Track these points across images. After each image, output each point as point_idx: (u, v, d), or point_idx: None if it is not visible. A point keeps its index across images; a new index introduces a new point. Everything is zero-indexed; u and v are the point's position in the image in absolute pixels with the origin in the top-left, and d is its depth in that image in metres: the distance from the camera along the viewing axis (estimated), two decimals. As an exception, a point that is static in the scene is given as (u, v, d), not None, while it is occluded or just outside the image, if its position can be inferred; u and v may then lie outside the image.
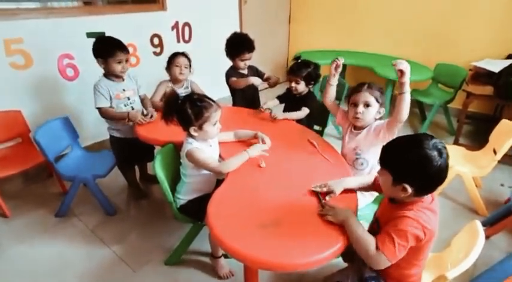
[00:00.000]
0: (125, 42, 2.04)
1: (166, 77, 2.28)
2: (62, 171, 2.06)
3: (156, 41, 3.14)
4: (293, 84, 2.14)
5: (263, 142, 1.66)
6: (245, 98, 2.42)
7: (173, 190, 1.64)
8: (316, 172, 1.51)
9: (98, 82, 1.99)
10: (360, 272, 1.24)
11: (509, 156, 2.28)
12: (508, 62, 2.81)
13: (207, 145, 1.55)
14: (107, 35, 2.63)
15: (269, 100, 2.22)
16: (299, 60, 2.18)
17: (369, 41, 4.13)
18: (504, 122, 2.22)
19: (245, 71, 2.40)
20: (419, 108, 3.66)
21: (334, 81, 1.81)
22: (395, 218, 1.06)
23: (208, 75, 3.04)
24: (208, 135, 1.51)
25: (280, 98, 2.29)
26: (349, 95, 1.64)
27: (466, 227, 1.25)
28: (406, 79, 1.43)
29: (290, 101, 2.17)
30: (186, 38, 3.44)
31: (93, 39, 2.01)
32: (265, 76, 2.42)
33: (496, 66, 2.84)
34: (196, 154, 1.47)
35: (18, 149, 2.29)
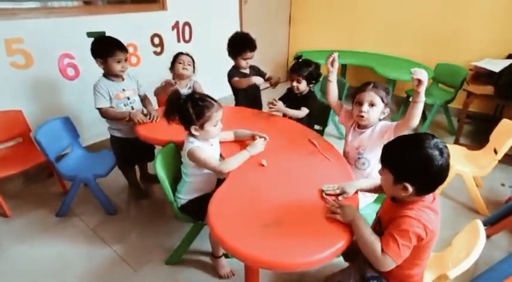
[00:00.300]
0: (126, 41, 2.04)
1: (167, 76, 2.28)
2: (62, 171, 2.06)
3: (156, 40, 3.14)
4: (294, 84, 2.14)
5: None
6: (247, 97, 2.43)
7: (174, 190, 1.63)
8: (317, 171, 1.51)
9: (98, 82, 1.99)
10: (361, 271, 1.23)
11: (510, 155, 2.28)
12: (508, 62, 2.81)
13: (208, 144, 1.55)
14: (107, 34, 2.64)
15: (270, 100, 2.22)
16: (300, 60, 2.18)
17: (369, 41, 4.13)
18: (505, 122, 2.22)
19: (247, 71, 2.41)
20: (419, 108, 3.65)
21: (333, 77, 1.80)
22: (397, 218, 1.07)
23: (209, 75, 3.04)
24: (210, 135, 1.51)
25: (282, 99, 2.29)
26: (354, 93, 1.63)
27: (467, 227, 1.25)
28: (423, 88, 1.40)
29: (291, 100, 2.17)
30: (187, 37, 3.44)
31: (93, 39, 2.01)
32: (267, 76, 2.43)
33: (496, 66, 2.84)
34: (197, 153, 1.47)
35: (18, 149, 2.29)
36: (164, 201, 2.11)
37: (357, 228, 1.11)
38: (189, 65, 2.22)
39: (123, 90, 2.06)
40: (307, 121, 2.16)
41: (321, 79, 2.26)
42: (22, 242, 1.95)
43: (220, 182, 1.54)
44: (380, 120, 1.62)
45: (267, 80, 2.40)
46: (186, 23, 3.38)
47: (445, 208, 2.23)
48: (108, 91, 1.98)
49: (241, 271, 1.45)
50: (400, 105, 3.63)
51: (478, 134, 3.27)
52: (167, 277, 1.74)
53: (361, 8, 4.08)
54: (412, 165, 1.03)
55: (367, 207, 1.61)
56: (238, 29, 3.99)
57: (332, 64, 1.77)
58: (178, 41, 3.37)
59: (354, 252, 1.25)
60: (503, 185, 2.52)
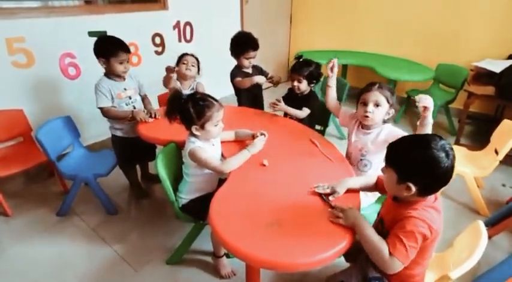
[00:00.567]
0: (127, 41, 2.03)
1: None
2: (63, 170, 2.05)
3: (157, 40, 3.14)
4: (295, 83, 2.14)
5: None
6: (249, 97, 2.44)
7: (175, 189, 1.63)
8: (318, 171, 1.51)
9: (99, 82, 1.99)
10: (363, 271, 1.23)
11: (511, 156, 2.28)
12: (509, 62, 2.80)
13: (209, 144, 1.55)
14: (108, 34, 2.64)
15: (272, 99, 2.22)
16: (301, 60, 2.18)
17: (370, 41, 4.13)
18: (506, 122, 2.22)
19: (250, 70, 2.42)
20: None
21: (333, 83, 1.81)
22: (401, 219, 1.06)
23: (210, 75, 3.03)
24: (211, 135, 1.51)
25: (284, 99, 2.29)
26: (360, 93, 1.62)
27: (469, 227, 1.25)
28: (430, 113, 1.40)
29: (292, 100, 2.17)
30: (188, 37, 3.44)
31: (95, 38, 2.01)
32: (269, 76, 2.44)
33: (497, 66, 2.84)
34: (198, 153, 1.46)
35: (19, 148, 2.29)
36: (165, 201, 2.11)
37: (360, 231, 1.10)
38: (192, 66, 2.21)
39: (125, 89, 2.06)
40: (309, 121, 2.16)
41: (321, 79, 2.26)
42: (22, 241, 1.95)
43: (221, 181, 1.53)
44: (384, 121, 1.62)
45: (268, 79, 2.41)
46: (187, 23, 3.38)
47: (446, 208, 2.22)
48: (110, 90, 1.98)
49: (242, 271, 1.45)
50: (401, 105, 3.63)
51: (479, 135, 3.27)
52: (168, 277, 1.74)
53: (362, 8, 4.08)
54: (417, 166, 1.03)
55: (369, 207, 1.61)
56: (239, 29, 3.99)
57: (332, 69, 1.77)
58: (180, 40, 3.37)
59: (356, 253, 1.25)
60: (504, 185, 2.52)
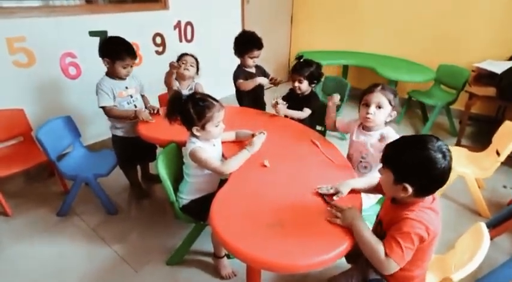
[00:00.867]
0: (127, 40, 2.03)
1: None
2: (63, 170, 2.05)
3: (158, 40, 3.14)
4: (296, 84, 2.14)
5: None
6: (251, 98, 2.43)
7: (175, 190, 1.63)
8: (319, 172, 1.51)
9: (101, 81, 1.98)
10: (363, 273, 1.23)
11: (512, 157, 2.27)
12: (510, 64, 2.80)
13: (210, 145, 1.54)
14: (109, 34, 2.64)
15: (275, 99, 2.22)
16: (301, 60, 2.18)
17: (371, 42, 4.13)
18: (507, 124, 2.21)
19: (253, 70, 2.42)
20: (421, 109, 3.65)
21: (333, 110, 1.90)
22: (398, 220, 1.06)
23: (211, 75, 3.03)
24: (211, 135, 1.50)
25: (284, 99, 2.28)
26: (362, 94, 1.62)
27: (471, 229, 1.24)
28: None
29: (293, 100, 2.17)
30: (189, 37, 3.43)
31: (96, 38, 2.01)
32: (270, 77, 2.44)
33: (498, 67, 2.83)
34: (199, 154, 1.46)
35: (20, 148, 2.29)
36: (165, 201, 2.10)
37: (357, 231, 1.10)
38: (191, 66, 2.21)
39: (126, 88, 2.06)
40: (309, 121, 2.16)
41: (322, 79, 2.26)
42: (22, 241, 1.94)
43: (222, 182, 1.53)
44: (386, 123, 1.61)
45: (270, 79, 2.41)
46: (188, 23, 3.37)
47: (447, 210, 2.22)
48: (112, 89, 1.98)
49: (243, 272, 1.45)
50: (402, 106, 3.62)
51: (480, 136, 3.26)
52: (168, 277, 1.73)
53: (363, 9, 4.08)
54: (414, 166, 1.03)
55: (370, 208, 1.61)
56: (240, 29, 3.98)
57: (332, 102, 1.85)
58: (180, 40, 3.36)
59: (357, 254, 1.24)
60: (505, 186, 2.51)
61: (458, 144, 2.91)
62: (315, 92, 2.24)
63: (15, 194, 2.33)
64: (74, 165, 2.14)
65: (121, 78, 2.02)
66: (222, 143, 1.67)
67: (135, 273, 1.76)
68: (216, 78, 2.98)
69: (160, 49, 3.18)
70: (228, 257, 1.73)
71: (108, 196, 2.17)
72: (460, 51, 3.53)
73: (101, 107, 1.99)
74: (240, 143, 1.74)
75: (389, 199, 1.20)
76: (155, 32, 3.10)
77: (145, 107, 2.13)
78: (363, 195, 1.36)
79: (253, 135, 1.69)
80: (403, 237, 1.03)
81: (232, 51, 2.41)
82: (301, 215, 1.22)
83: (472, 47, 3.47)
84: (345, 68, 4.20)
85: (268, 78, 2.40)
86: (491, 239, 1.92)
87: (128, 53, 1.96)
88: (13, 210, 2.16)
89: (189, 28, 3.40)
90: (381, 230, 1.18)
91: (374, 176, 1.40)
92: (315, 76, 2.14)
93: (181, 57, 2.23)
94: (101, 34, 2.64)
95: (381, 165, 1.15)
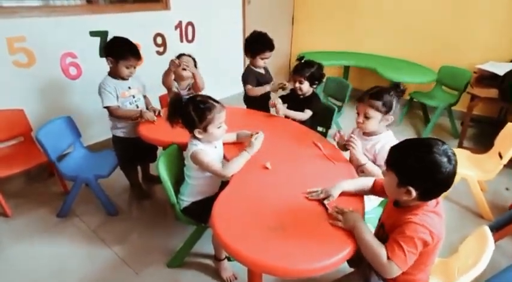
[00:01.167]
0: (128, 41, 2.02)
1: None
2: (64, 171, 2.04)
3: (159, 40, 3.13)
4: (297, 85, 2.13)
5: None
6: (257, 100, 2.40)
7: (176, 191, 1.62)
8: (321, 174, 1.50)
9: (104, 81, 1.98)
10: (366, 277, 1.22)
11: (515, 159, 2.26)
12: (513, 65, 2.79)
13: (211, 146, 1.53)
14: (110, 34, 2.63)
15: (273, 99, 2.21)
16: (302, 61, 2.17)
17: (372, 42, 4.12)
18: (510, 126, 2.20)
19: (262, 70, 2.41)
20: (422, 111, 3.64)
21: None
22: (402, 224, 1.05)
23: (212, 75, 3.02)
24: (214, 137, 1.49)
25: (283, 98, 2.27)
26: (358, 101, 1.63)
27: (475, 233, 1.23)
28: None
29: (294, 101, 2.16)
30: (190, 37, 3.42)
31: (97, 39, 2.00)
32: (279, 83, 2.37)
33: (500, 68, 2.82)
34: (200, 156, 1.45)
35: (20, 148, 2.28)
36: (166, 202, 2.09)
37: (358, 234, 1.09)
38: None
39: (129, 88, 2.05)
40: (311, 123, 2.15)
41: (324, 80, 2.24)
42: (22, 242, 1.93)
43: (224, 184, 1.52)
44: (386, 126, 1.61)
45: (279, 86, 2.36)
46: (189, 23, 3.36)
47: (449, 212, 2.20)
48: (115, 89, 1.97)
49: (244, 274, 1.44)
50: (403, 107, 3.61)
51: (482, 138, 3.25)
52: (168, 280, 1.72)
53: (365, 10, 4.07)
54: (419, 170, 1.02)
55: (372, 211, 1.59)
56: (241, 30, 3.98)
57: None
58: (181, 40, 3.35)
59: (359, 258, 1.23)
60: (507, 189, 2.50)
61: (460, 146, 2.90)
62: (316, 93, 2.23)
63: (15, 194, 2.32)
64: (74, 165, 2.13)
65: (123, 78, 2.01)
66: (223, 144, 1.66)
67: (136, 275, 1.75)
68: (216, 79, 2.97)
69: (161, 49, 3.17)
70: (229, 259, 1.72)
71: (109, 197, 2.16)
72: (461, 53, 3.52)
73: (106, 107, 1.98)
74: (241, 144, 1.73)
75: (392, 202, 1.19)
76: (156, 32, 3.09)
77: (147, 108, 2.11)
78: (365, 198, 1.34)
79: (251, 135, 1.68)
80: (406, 241, 1.02)
81: (233, 51, 2.40)
82: (303, 218, 1.21)
83: (474, 48, 3.45)
84: (346, 69, 4.19)
85: (271, 80, 2.39)
86: (494, 242, 1.91)
87: (132, 54, 1.95)
88: (13, 211, 2.15)
89: (190, 28, 3.39)
90: (383, 233, 1.17)
91: (367, 178, 1.39)
92: (316, 77, 2.13)
93: (178, 58, 2.21)
94: (102, 34, 2.63)
95: (379, 170, 1.14)
